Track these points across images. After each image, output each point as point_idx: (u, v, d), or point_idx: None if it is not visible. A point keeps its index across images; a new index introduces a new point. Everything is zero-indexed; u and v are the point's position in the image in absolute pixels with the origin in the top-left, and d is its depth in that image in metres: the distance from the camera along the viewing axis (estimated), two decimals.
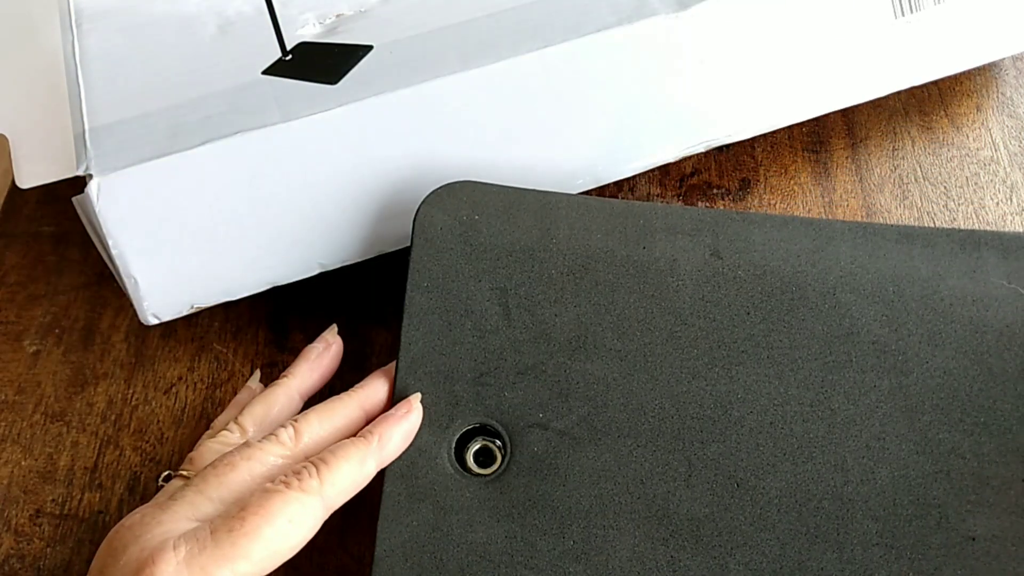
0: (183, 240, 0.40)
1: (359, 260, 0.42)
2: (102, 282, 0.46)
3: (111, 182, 0.38)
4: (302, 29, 0.44)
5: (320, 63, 0.42)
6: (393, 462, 0.36)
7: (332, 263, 0.42)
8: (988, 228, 0.45)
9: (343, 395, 0.37)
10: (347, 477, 0.34)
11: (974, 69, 0.49)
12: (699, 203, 0.47)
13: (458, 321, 0.38)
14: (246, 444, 0.35)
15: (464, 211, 0.40)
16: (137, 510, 0.33)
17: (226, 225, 0.40)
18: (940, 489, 0.35)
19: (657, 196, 0.47)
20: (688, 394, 0.37)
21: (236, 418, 0.38)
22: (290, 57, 0.43)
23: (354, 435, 0.36)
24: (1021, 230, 0.45)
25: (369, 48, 0.42)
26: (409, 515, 0.35)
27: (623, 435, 0.36)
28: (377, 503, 0.35)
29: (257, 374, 0.43)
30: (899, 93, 0.49)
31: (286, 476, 0.33)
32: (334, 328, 0.42)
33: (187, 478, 0.35)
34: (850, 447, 0.36)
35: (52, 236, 0.48)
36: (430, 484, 0.36)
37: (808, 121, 0.48)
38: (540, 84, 0.41)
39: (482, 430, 0.37)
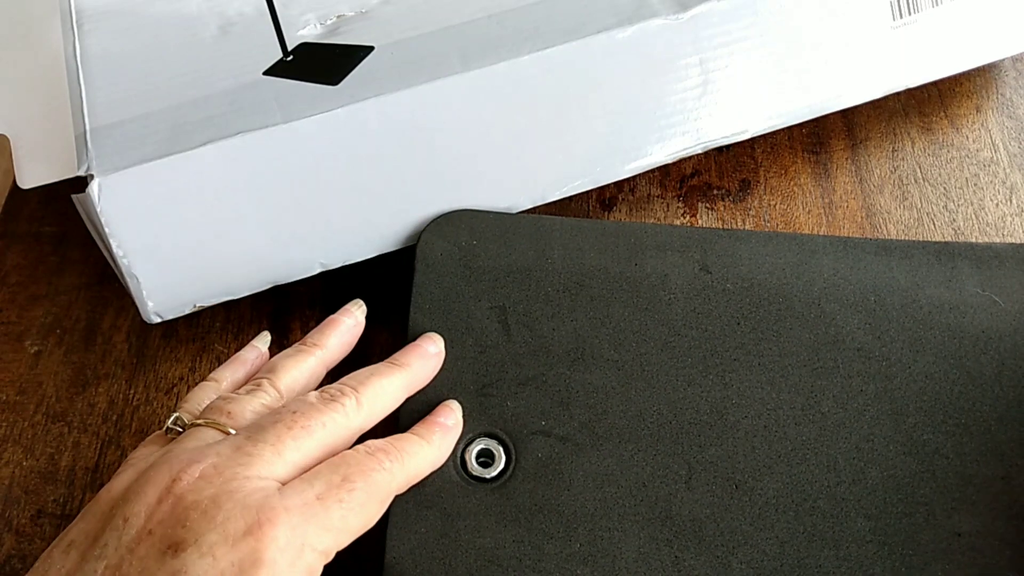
0: (184, 240, 0.40)
1: (360, 260, 0.43)
2: (103, 282, 0.46)
3: (112, 182, 0.38)
4: (303, 30, 0.44)
5: (321, 64, 0.42)
6: None
7: (333, 263, 0.42)
8: (988, 229, 0.45)
9: (384, 366, 0.37)
10: (418, 467, 0.35)
11: (974, 70, 0.49)
12: (699, 204, 0.47)
13: (459, 339, 0.39)
14: (315, 409, 0.34)
15: (463, 237, 0.41)
16: (197, 455, 0.31)
17: (227, 225, 0.40)
18: (927, 488, 0.36)
19: (657, 197, 0.47)
20: (684, 400, 0.38)
21: (272, 380, 0.36)
22: (291, 58, 0.43)
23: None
24: (1021, 232, 0.45)
25: (370, 49, 0.42)
26: (417, 522, 0.36)
27: (624, 440, 0.37)
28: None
29: (267, 335, 0.42)
30: (899, 94, 0.49)
31: (374, 453, 0.33)
32: (361, 304, 0.41)
33: (223, 430, 0.33)
34: (841, 449, 0.37)
35: (53, 236, 0.48)
36: (437, 492, 0.36)
37: (808, 122, 0.48)
38: (541, 85, 0.41)
39: (487, 439, 0.37)
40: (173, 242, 0.40)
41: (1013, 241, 0.45)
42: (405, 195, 0.42)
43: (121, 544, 0.29)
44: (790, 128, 0.48)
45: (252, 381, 0.37)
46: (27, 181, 0.41)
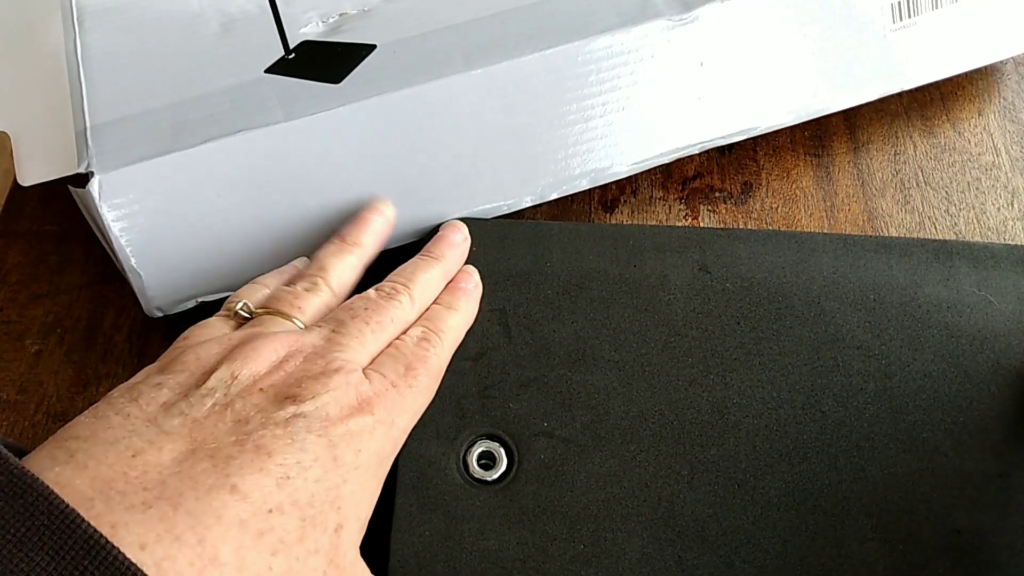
0: (185, 236, 0.40)
1: None
2: (104, 281, 0.46)
3: (112, 180, 0.38)
4: (305, 28, 0.44)
5: (323, 62, 0.42)
6: (403, 475, 0.36)
7: None
8: (989, 234, 0.45)
9: (422, 260, 0.40)
10: (455, 338, 0.39)
11: (976, 74, 0.49)
12: (701, 206, 0.47)
13: (461, 341, 0.39)
14: (382, 306, 0.36)
15: None
16: (297, 342, 0.33)
17: (228, 222, 0.40)
18: (926, 486, 0.36)
19: (659, 199, 0.47)
20: (685, 400, 0.38)
21: (326, 279, 0.38)
22: (293, 56, 0.43)
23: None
24: (1022, 236, 0.45)
25: (372, 47, 0.42)
26: (421, 525, 0.35)
27: (626, 441, 0.37)
28: (383, 510, 0.35)
29: (305, 259, 0.42)
30: (901, 97, 0.49)
31: (421, 341, 0.36)
32: (388, 201, 0.42)
33: (293, 322, 0.35)
34: (842, 447, 0.37)
35: (54, 235, 0.48)
36: (440, 494, 0.36)
37: (810, 124, 0.48)
38: (543, 85, 0.41)
39: (489, 441, 0.37)
40: (174, 238, 0.40)
41: None
42: (407, 193, 0.42)
43: (231, 392, 0.31)
44: (792, 130, 0.48)
45: (307, 279, 0.38)
46: (28, 179, 0.41)
